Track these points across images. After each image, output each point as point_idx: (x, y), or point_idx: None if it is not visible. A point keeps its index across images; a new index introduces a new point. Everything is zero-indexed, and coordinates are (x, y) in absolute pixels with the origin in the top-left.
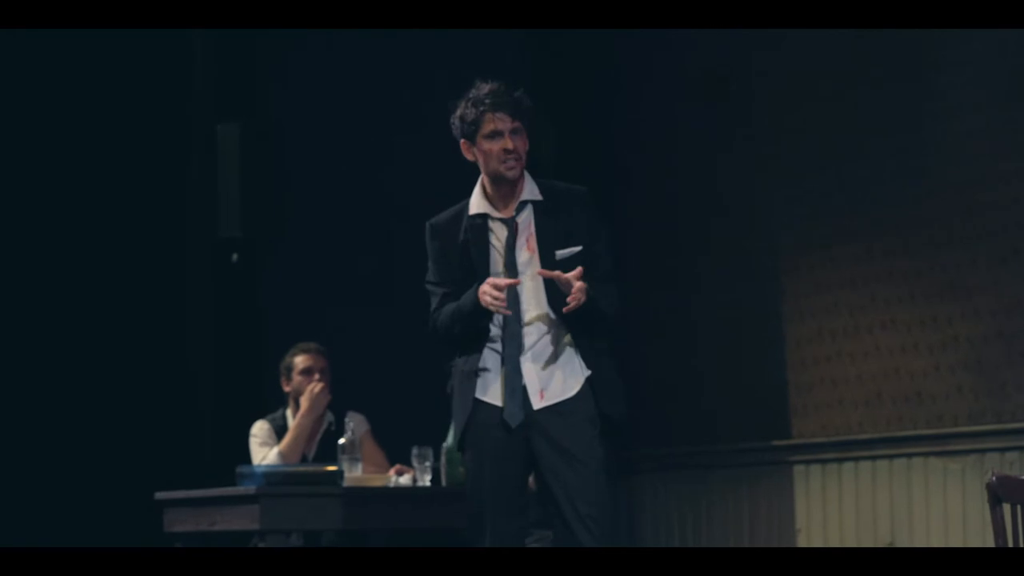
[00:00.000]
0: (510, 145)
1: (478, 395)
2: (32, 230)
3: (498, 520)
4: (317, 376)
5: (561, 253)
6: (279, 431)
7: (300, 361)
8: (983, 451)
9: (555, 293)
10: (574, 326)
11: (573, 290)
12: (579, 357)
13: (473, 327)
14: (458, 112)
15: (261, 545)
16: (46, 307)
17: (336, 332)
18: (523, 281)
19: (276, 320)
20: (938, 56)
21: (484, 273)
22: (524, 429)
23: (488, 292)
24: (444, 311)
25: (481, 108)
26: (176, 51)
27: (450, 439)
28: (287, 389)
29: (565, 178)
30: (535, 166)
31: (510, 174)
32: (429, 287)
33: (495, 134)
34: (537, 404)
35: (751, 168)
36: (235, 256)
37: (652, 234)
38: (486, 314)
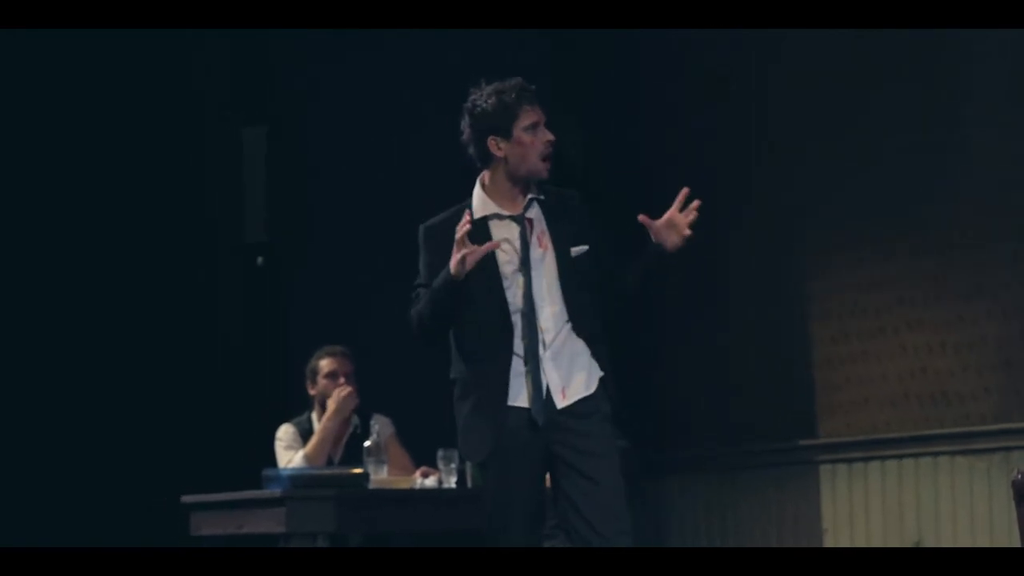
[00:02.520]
0: (552, 137)
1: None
2: (59, 234)
3: (521, 522)
4: (343, 380)
5: (575, 251)
6: (304, 434)
7: (325, 365)
8: (1009, 449)
9: (570, 289)
10: (585, 326)
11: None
12: (593, 356)
13: (444, 307)
14: (487, 107)
15: (287, 547)
16: (70, 310)
17: (361, 334)
18: (537, 279)
19: (302, 323)
20: (952, 52)
21: (492, 272)
22: (547, 431)
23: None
24: (416, 306)
25: (521, 100)
26: (201, 55)
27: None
28: (312, 393)
29: (581, 177)
30: (564, 170)
31: (546, 172)
32: (417, 291)
33: (535, 126)
34: (560, 403)
35: (776, 171)
36: (260, 260)
37: None
38: (455, 290)
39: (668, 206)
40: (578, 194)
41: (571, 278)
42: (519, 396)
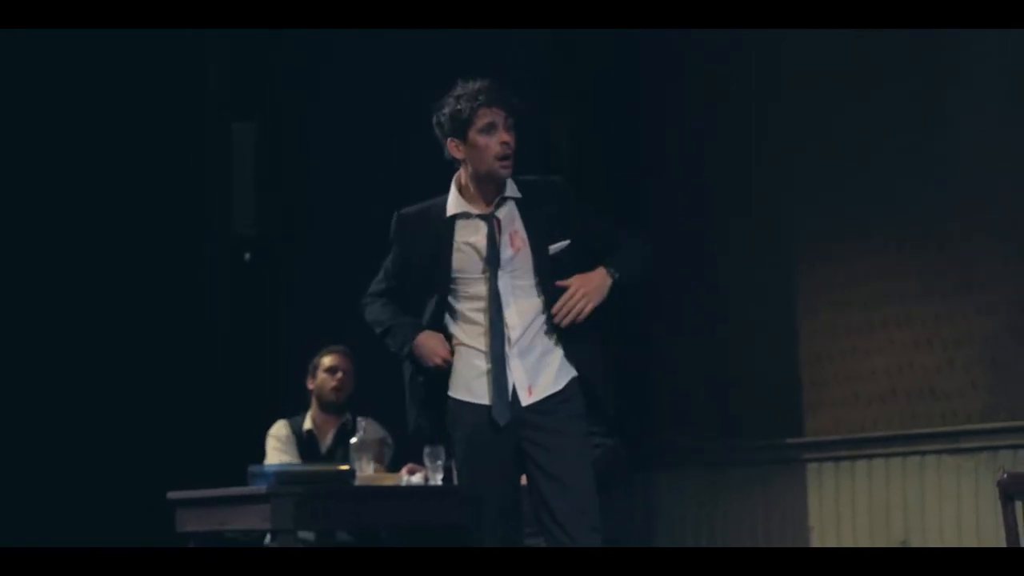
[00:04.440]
0: (507, 138)
1: (461, 396)
2: (48, 227)
3: (494, 518)
4: (340, 375)
5: (553, 248)
6: (297, 435)
7: (327, 360)
8: (996, 448)
9: (548, 289)
10: (558, 326)
11: (562, 307)
12: (574, 355)
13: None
14: (447, 109)
15: (273, 544)
16: (59, 304)
17: (351, 329)
18: (503, 279)
19: (291, 318)
20: (952, 52)
21: (445, 274)
22: (514, 428)
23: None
24: (376, 309)
25: (476, 103)
26: (191, 50)
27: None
28: (311, 387)
29: (583, 177)
30: (551, 165)
31: (504, 172)
32: (379, 275)
33: (490, 127)
34: (526, 400)
35: (767, 166)
36: (248, 255)
37: (669, 233)
38: (407, 359)
39: (685, 205)
40: (562, 180)
41: (549, 276)
42: (476, 392)
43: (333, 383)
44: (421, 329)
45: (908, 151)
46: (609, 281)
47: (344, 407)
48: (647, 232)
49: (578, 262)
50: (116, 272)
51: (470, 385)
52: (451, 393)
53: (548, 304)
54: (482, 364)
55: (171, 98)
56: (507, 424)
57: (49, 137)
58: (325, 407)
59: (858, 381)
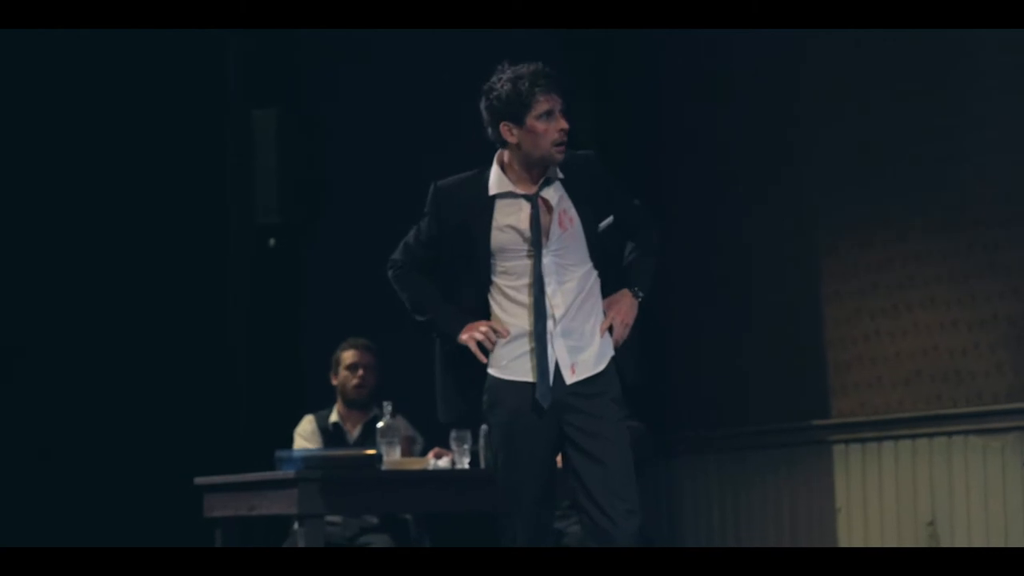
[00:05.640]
0: (564, 124)
1: (502, 375)
2: (72, 217)
3: (531, 503)
4: (361, 372)
5: (602, 225)
6: (323, 429)
7: (347, 356)
8: (1023, 429)
9: (598, 265)
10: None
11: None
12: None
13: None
14: (501, 93)
15: (300, 528)
16: (82, 294)
17: (373, 316)
18: (547, 257)
19: (314, 305)
20: (975, 44)
21: (483, 252)
22: (556, 412)
23: (482, 335)
24: (412, 288)
25: (535, 88)
26: (211, 37)
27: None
28: (335, 383)
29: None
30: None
31: (559, 157)
32: (409, 240)
33: (549, 114)
34: (569, 379)
35: (789, 151)
36: (272, 241)
37: (693, 219)
38: (450, 341)
39: (708, 190)
40: (595, 153)
41: (598, 253)
42: (519, 371)
43: (355, 380)
44: (467, 321)
45: (931, 138)
46: (636, 302)
47: (369, 402)
48: (669, 219)
49: (619, 240)
50: (138, 261)
51: (512, 364)
52: (491, 371)
53: (594, 281)
54: (525, 342)
55: (191, 86)
56: (549, 407)
57: (70, 127)
58: (349, 403)
59: (883, 364)
